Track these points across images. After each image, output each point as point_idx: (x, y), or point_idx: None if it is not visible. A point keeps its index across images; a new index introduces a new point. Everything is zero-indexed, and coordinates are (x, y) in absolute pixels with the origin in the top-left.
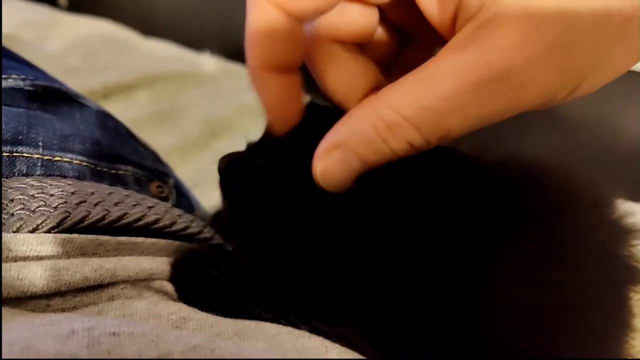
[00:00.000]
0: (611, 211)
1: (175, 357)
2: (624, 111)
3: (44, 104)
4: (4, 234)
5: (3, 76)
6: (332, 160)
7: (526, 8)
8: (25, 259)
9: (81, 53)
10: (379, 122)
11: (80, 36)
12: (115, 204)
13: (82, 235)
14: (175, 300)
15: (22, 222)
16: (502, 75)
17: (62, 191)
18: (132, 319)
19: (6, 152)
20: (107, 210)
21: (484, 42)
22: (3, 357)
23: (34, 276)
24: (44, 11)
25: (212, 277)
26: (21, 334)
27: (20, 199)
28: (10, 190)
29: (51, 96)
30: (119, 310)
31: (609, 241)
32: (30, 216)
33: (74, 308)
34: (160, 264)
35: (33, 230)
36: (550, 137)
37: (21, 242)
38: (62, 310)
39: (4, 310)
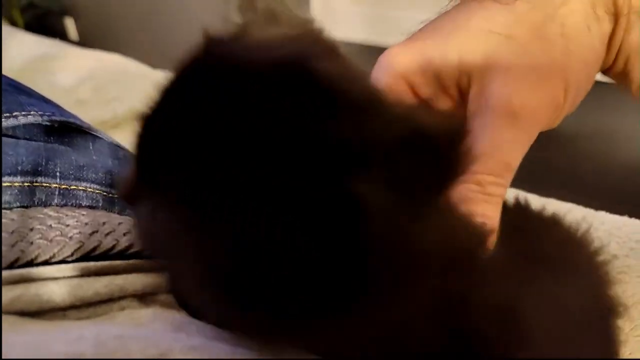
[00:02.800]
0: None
1: (175, 357)
2: (624, 123)
3: (60, 137)
4: (32, 269)
5: (22, 113)
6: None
7: (496, 60)
8: (45, 279)
9: (92, 85)
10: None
11: (91, 69)
12: (124, 234)
13: (97, 263)
14: (179, 311)
15: (40, 250)
16: (509, 110)
17: (77, 221)
18: (139, 322)
19: (27, 183)
20: (116, 240)
21: (484, 99)
22: (19, 357)
23: (51, 293)
24: (56, 45)
25: None
26: (36, 337)
27: (39, 228)
28: (30, 220)
29: (67, 130)
30: (127, 316)
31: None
32: (48, 245)
33: (87, 317)
34: (165, 279)
35: (50, 258)
36: (549, 149)
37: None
38: (78, 319)
39: (23, 319)
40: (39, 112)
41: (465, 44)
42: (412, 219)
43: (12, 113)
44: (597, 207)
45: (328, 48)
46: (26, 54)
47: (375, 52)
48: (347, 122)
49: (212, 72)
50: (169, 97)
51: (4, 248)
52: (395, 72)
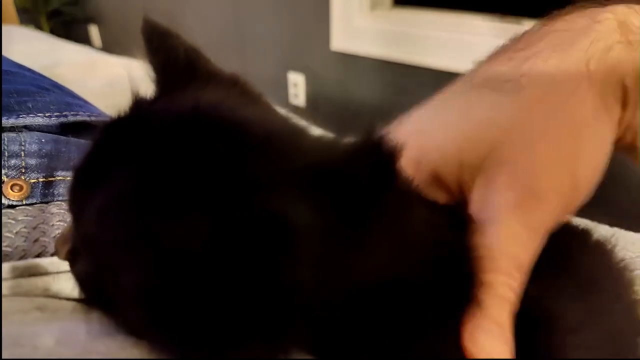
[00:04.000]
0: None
1: None
2: None
3: None
4: (48, 259)
5: (71, 112)
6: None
7: (502, 153)
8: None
9: (120, 90)
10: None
11: (118, 75)
12: None
13: None
14: None
15: None
16: (519, 203)
17: None
18: None
19: None
20: None
21: (492, 193)
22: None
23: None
24: (84, 51)
25: None
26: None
27: (58, 224)
28: (51, 216)
29: None
30: None
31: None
32: None
33: None
34: None
35: None
36: None
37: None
38: None
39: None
40: (87, 113)
41: (467, 137)
42: (345, 245)
43: (62, 112)
44: (612, 224)
45: (251, 97)
46: (58, 58)
47: (392, 67)
48: (254, 157)
49: (134, 128)
50: (97, 151)
51: (26, 243)
52: None
